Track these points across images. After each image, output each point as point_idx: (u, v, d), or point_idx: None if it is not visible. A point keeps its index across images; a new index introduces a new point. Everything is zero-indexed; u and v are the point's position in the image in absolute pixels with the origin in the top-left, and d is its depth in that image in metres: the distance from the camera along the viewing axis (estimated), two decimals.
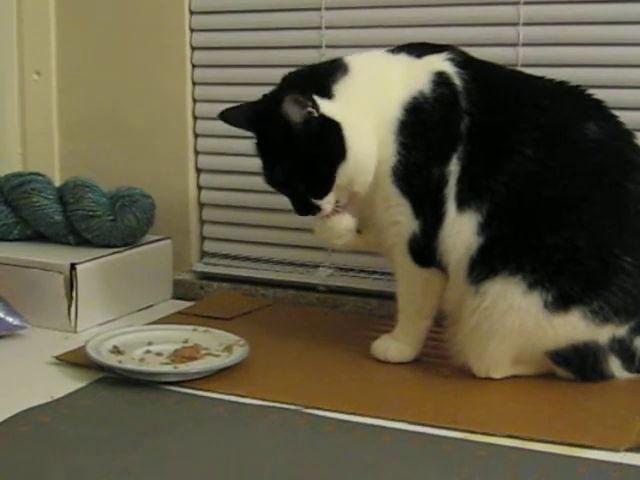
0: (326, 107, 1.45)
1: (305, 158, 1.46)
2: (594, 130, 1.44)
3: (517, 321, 1.41)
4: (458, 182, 1.43)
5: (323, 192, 1.47)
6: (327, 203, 1.48)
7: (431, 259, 1.47)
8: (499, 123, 1.44)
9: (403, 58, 1.50)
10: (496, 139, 1.43)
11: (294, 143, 1.45)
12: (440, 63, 1.47)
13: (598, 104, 1.48)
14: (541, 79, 1.51)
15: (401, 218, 1.47)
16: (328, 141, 1.45)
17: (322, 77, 1.48)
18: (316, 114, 1.44)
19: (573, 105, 1.48)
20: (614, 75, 1.65)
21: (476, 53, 1.58)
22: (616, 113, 1.48)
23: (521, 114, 1.45)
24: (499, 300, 1.41)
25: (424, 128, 1.45)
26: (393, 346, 1.55)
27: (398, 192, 1.46)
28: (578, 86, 1.50)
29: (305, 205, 1.50)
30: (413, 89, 1.46)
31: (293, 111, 1.43)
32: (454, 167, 1.43)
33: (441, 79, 1.46)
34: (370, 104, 1.47)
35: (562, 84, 1.50)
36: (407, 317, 1.54)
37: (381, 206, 1.48)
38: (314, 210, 1.50)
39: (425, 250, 1.47)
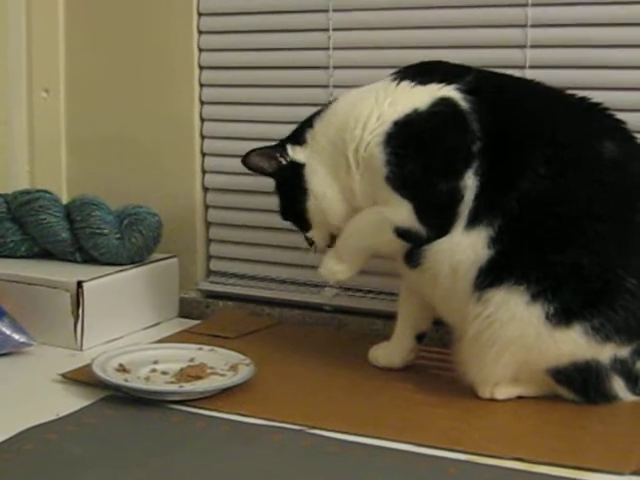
0: (295, 153, 1.59)
1: (285, 197, 1.63)
2: (611, 149, 1.44)
3: (518, 331, 1.41)
4: (475, 199, 1.43)
5: (305, 227, 1.62)
6: (317, 237, 1.62)
7: (417, 261, 1.48)
8: (515, 141, 1.44)
9: (404, 85, 1.51)
10: (512, 157, 1.43)
11: (278, 186, 1.63)
12: (445, 91, 1.47)
13: (619, 124, 1.48)
14: (561, 93, 1.51)
15: (402, 210, 1.47)
16: (294, 182, 1.59)
17: (304, 124, 1.61)
18: (284, 162, 1.59)
19: (592, 123, 1.48)
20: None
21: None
22: (626, 115, 1.49)
23: (536, 131, 1.44)
24: (502, 308, 1.41)
25: (419, 140, 1.46)
26: (334, 262, 1.57)
27: (399, 196, 1.47)
28: (599, 104, 1.49)
29: (305, 238, 1.64)
30: (408, 107, 1.47)
31: (263, 164, 1.61)
32: (470, 182, 1.43)
33: (444, 102, 1.46)
34: (339, 125, 1.54)
35: (583, 100, 1.50)
36: (355, 245, 1.56)
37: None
38: (312, 243, 1.63)
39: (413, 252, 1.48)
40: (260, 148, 1.62)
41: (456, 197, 1.43)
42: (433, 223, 1.45)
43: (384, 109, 1.49)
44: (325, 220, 1.58)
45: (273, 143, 1.63)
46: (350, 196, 1.54)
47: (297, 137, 1.60)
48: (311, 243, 1.64)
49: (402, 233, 1.48)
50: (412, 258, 1.49)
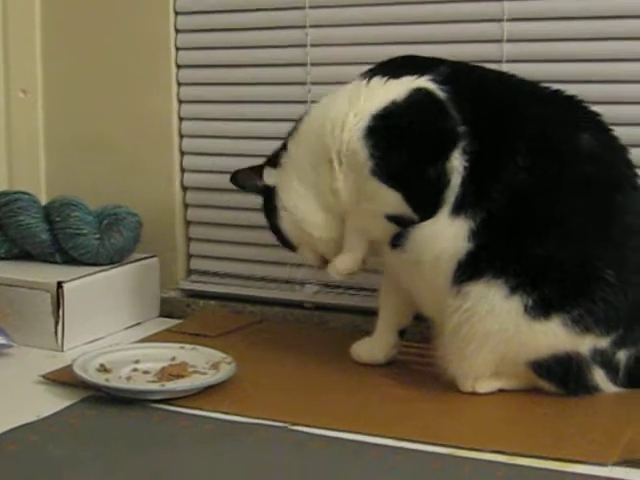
0: (269, 177, 1.62)
1: (267, 220, 1.65)
2: (588, 141, 1.44)
3: (497, 324, 1.41)
4: (461, 184, 1.43)
5: (290, 247, 1.64)
6: (307, 256, 1.64)
7: (401, 242, 1.48)
8: (493, 130, 1.44)
9: (376, 81, 1.51)
10: (491, 147, 1.44)
11: (262, 207, 1.66)
12: (420, 82, 1.47)
13: (594, 116, 1.49)
14: (535, 85, 1.52)
15: (390, 200, 1.47)
16: (269, 204, 1.62)
17: (282, 146, 1.62)
18: (259, 184, 1.63)
19: (567, 115, 1.49)
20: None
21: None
22: (601, 108, 1.50)
23: (514, 123, 1.45)
24: (480, 302, 1.41)
25: (400, 129, 1.46)
26: (340, 258, 1.58)
27: (387, 187, 1.46)
28: (574, 96, 1.50)
29: None
30: (385, 100, 1.47)
31: (247, 185, 1.67)
32: (457, 163, 1.42)
33: (420, 92, 1.47)
34: (312, 133, 1.55)
35: (558, 93, 1.50)
36: (355, 242, 1.57)
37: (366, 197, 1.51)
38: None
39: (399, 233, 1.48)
40: (244, 169, 1.66)
41: (444, 180, 1.43)
42: (424, 207, 1.45)
43: (360, 106, 1.49)
44: (304, 234, 1.59)
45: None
46: (332, 199, 1.54)
47: (274, 160, 1.62)
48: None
49: (393, 218, 1.48)
50: (397, 238, 1.49)
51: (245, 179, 1.66)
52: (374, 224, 1.51)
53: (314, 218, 1.57)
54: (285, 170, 1.59)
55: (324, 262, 1.62)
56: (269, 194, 1.62)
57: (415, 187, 1.46)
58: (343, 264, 1.58)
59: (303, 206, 1.57)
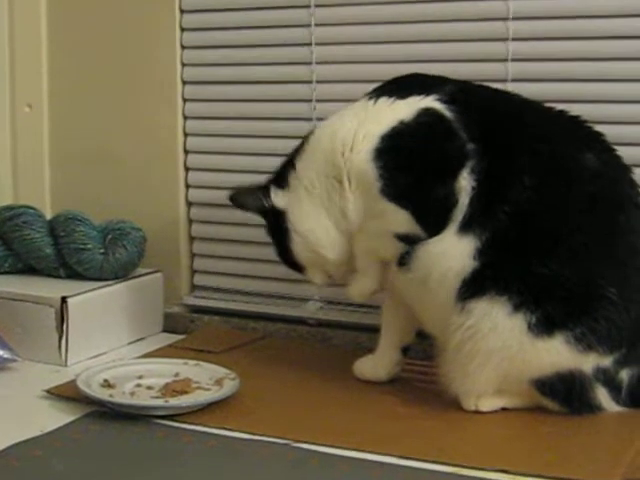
0: (277, 197, 1.59)
1: (272, 239, 1.64)
2: (592, 161, 1.45)
3: (500, 341, 1.41)
4: (469, 204, 1.43)
5: (298, 269, 1.63)
6: (314, 277, 1.63)
7: (408, 261, 1.48)
8: (500, 150, 1.45)
9: (382, 101, 1.51)
10: (499, 166, 1.44)
11: (266, 227, 1.64)
12: (427, 102, 1.48)
13: (597, 136, 1.49)
14: (539, 105, 1.52)
15: (399, 218, 1.48)
16: (277, 227, 1.60)
17: (286, 164, 1.61)
18: (266, 205, 1.60)
19: (572, 134, 1.49)
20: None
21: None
22: (604, 128, 1.50)
23: (520, 142, 1.46)
24: (483, 319, 1.42)
25: (409, 150, 1.47)
26: (358, 283, 1.59)
27: (396, 206, 1.47)
28: (578, 116, 1.51)
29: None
30: (393, 120, 1.48)
31: (248, 204, 1.63)
32: (465, 183, 1.43)
33: (428, 112, 1.47)
34: (323, 155, 1.54)
35: (562, 113, 1.51)
36: (366, 265, 1.57)
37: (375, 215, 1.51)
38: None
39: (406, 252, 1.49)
40: (246, 187, 1.64)
41: (452, 200, 1.44)
42: (433, 226, 1.46)
43: (368, 127, 1.49)
44: (318, 257, 1.58)
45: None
46: (342, 219, 1.54)
47: (280, 180, 1.60)
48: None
49: (402, 237, 1.48)
50: (404, 257, 1.49)
51: (247, 199, 1.63)
52: (383, 243, 1.51)
53: (328, 241, 1.56)
54: (295, 191, 1.58)
55: (330, 280, 1.63)
56: (277, 216, 1.60)
57: (423, 206, 1.46)
58: (360, 288, 1.58)
59: (317, 229, 1.56)
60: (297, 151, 1.60)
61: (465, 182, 1.44)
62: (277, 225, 1.60)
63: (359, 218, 1.53)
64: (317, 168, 1.55)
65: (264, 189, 1.61)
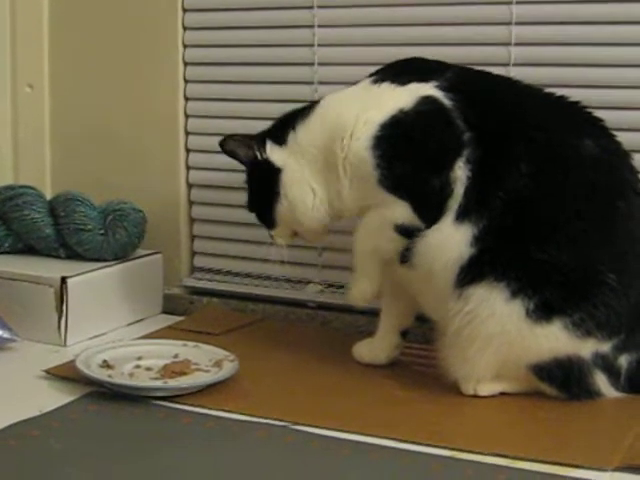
0: (273, 153, 1.58)
1: (253, 191, 1.64)
2: (591, 147, 1.45)
3: (498, 327, 1.42)
4: (465, 193, 1.43)
5: (269, 225, 1.63)
6: (278, 237, 1.64)
7: (410, 258, 1.48)
8: (497, 138, 1.45)
9: (385, 86, 1.51)
10: (495, 154, 1.44)
11: (249, 177, 1.63)
12: (427, 89, 1.48)
13: (597, 122, 1.49)
14: (539, 91, 1.52)
15: (398, 208, 1.48)
16: (267, 183, 1.59)
17: (288, 123, 1.60)
18: (260, 157, 1.59)
19: (571, 121, 1.49)
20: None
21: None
22: (606, 113, 1.50)
23: (517, 128, 1.45)
24: (482, 305, 1.42)
25: (407, 139, 1.47)
26: (357, 288, 1.58)
27: (394, 197, 1.47)
28: (578, 102, 1.50)
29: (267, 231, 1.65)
30: (393, 108, 1.47)
31: (239, 151, 1.61)
32: (460, 173, 1.44)
33: (427, 100, 1.47)
34: (325, 136, 1.53)
35: (561, 99, 1.51)
36: (365, 257, 1.55)
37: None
38: (273, 238, 1.65)
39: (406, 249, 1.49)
40: (240, 135, 1.62)
41: (447, 190, 1.44)
42: (430, 216, 1.46)
43: (370, 113, 1.49)
44: (295, 222, 1.59)
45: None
46: (337, 199, 1.55)
47: (278, 136, 1.59)
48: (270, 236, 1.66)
49: (402, 229, 1.48)
50: (406, 255, 1.49)
51: (239, 147, 1.61)
52: (384, 239, 1.51)
53: (315, 214, 1.57)
54: (294, 154, 1.57)
55: (292, 240, 1.64)
56: (268, 171, 1.59)
57: (420, 196, 1.46)
58: (361, 292, 1.58)
59: (308, 199, 1.56)
60: (300, 115, 1.59)
61: (460, 172, 1.44)
62: (265, 180, 1.59)
63: (353, 204, 1.53)
64: (320, 144, 1.54)
65: (259, 141, 1.60)
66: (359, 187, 1.51)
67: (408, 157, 1.47)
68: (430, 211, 1.46)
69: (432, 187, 1.45)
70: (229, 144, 1.62)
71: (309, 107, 1.60)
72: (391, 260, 1.53)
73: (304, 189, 1.56)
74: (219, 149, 1.70)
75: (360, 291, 1.58)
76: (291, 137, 1.58)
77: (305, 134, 1.57)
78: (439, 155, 1.45)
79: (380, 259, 1.54)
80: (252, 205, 1.65)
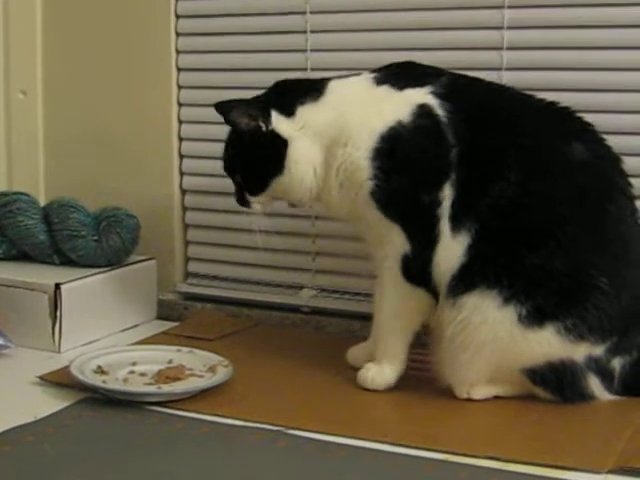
0: (280, 124, 1.52)
1: (247, 158, 1.56)
2: (580, 151, 1.46)
3: (491, 334, 1.42)
4: (452, 206, 1.44)
5: (254, 192, 1.57)
6: (258, 203, 1.58)
7: (425, 281, 1.49)
8: (487, 148, 1.46)
9: (384, 89, 1.51)
10: (484, 164, 1.45)
11: (242, 142, 1.55)
12: (422, 96, 1.48)
13: (586, 126, 1.50)
14: (530, 98, 1.53)
15: (393, 238, 1.48)
16: (270, 153, 1.53)
17: (295, 95, 1.54)
18: (264, 129, 1.52)
19: (560, 126, 1.50)
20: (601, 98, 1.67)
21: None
22: (597, 117, 1.52)
23: (507, 137, 1.46)
24: (475, 312, 1.43)
25: (404, 155, 1.47)
26: (378, 371, 1.54)
27: (383, 216, 1.48)
28: (567, 107, 1.51)
29: (241, 196, 1.59)
30: (392, 119, 1.48)
31: (240, 121, 1.52)
32: (448, 192, 1.45)
33: (423, 111, 1.48)
34: (331, 132, 1.51)
35: (552, 105, 1.51)
36: (390, 334, 1.54)
37: (372, 223, 1.51)
38: (247, 204, 1.59)
39: (419, 273, 1.48)
40: (236, 101, 1.55)
41: (435, 207, 1.45)
42: (420, 238, 1.47)
43: (371, 123, 1.49)
44: (285, 194, 1.56)
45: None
46: (326, 194, 1.54)
47: (284, 106, 1.53)
48: (241, 200, 1.59)
49: (405, 265, 1.49)
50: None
51: (240, 116, 1.52)
52: (403, 298, 1.51)
53: (308, 193, 1.54)
54: (304, 131, 1.52)
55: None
56: (273, 142, 1.52)
57: (411, 213, 1.47)
58: (383, 377, 1.54)
59: (308, 181, 1.53)
60: (308, 91, 1.54)
61: (448, 191, 1.45)
62: (265, 149, 1.53)
63: (338, 209, 1.54)
64: (325, 134, 1.52)
65: (263, 111, 1.53)
66: (348, 194, 1.51)
67: (403, 172, 1.47)
68: (420, 229, 1.46)
69: (422, 204, 1.45)
70: (228, 111, 1.53)
71: (317, 87, 1.54)
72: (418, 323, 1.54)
73: (307, 168, 1.53)
74: (212, 155, 1.70)
75: (379, 374, 1.54)
76: (300, 111, 1.53)
77: (315, 116, 1.53)
78: (431, 174, 1.46)
79: (407, 337, 1.53)
80: (234, 169, 1.58)
